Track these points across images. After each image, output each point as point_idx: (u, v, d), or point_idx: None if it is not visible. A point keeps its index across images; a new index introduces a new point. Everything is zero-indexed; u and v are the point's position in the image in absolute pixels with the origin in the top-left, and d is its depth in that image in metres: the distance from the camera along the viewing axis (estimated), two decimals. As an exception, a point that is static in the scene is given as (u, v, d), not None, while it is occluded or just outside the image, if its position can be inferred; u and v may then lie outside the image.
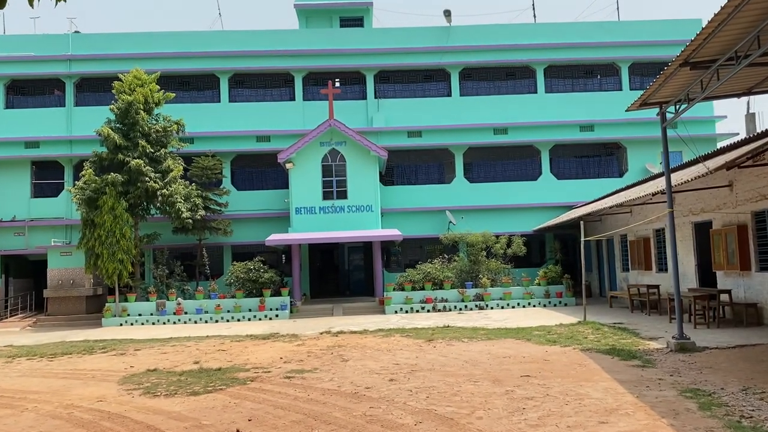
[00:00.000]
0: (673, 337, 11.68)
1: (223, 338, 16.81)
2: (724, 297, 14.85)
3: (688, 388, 8.14)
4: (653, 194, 15.13)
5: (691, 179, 12.42)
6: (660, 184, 16.04)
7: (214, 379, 10.46)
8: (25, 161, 28.03)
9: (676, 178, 13.85)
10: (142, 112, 23.62)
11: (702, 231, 17.05)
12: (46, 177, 28.50)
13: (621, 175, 28.56)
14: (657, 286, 18.45)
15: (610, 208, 18.92)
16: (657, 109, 12.33)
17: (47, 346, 16.52)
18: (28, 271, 29.14)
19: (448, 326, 17.16)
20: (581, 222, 18.47)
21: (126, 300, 23.14)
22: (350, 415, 7.52)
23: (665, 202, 17.83)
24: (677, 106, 11.45)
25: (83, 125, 27.30)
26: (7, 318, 25.80)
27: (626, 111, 12.81)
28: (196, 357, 13.33)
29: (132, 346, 15.93)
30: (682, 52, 9.19)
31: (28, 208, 27.70)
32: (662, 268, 19.59)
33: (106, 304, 22.91)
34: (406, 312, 22.35)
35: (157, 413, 8.18)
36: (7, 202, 27.51)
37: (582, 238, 17.74)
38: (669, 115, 11.99)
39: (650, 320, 16.61)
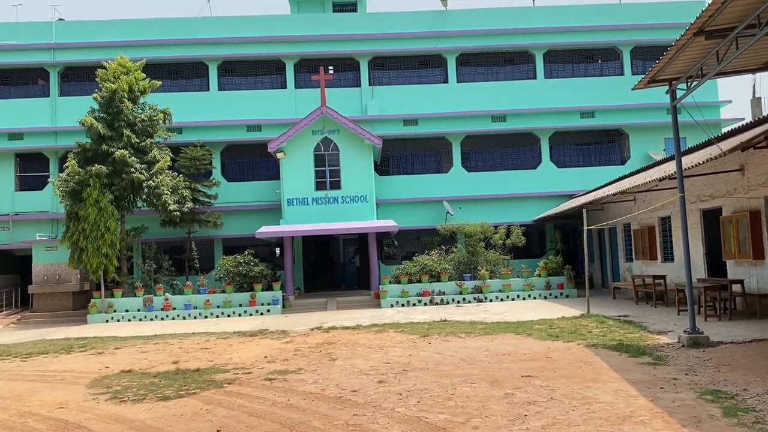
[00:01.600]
0: (684, 331, 10.88)
1: (209, 335, 16.02)
2: (735, 287, 14.04)
3: (707, 390, 7.33)
4: (660, 179, 14.31)
5: (703, 161, 11.59)
6: (666, 169, 15.23)
7: (189, 381, 9.66)
8: (9, 153, 27.17)
9: (686, 161, 13.01)
10: (126, 100, 22.74)
11: (710, 218, 16.24)
12: (31, 169, 27.64)
13: (623, 163, 27.73)
14: (663, 277, 17.65)
15: (614, 195, 18.09)
16: (660, 93, 11.52)
17: (25, 345, 15.74)
18: (15, 267, 28.33)
19: (444, 320, 16.38)
20: (584, 210, 17.65)
21: (112, 296, 22.35)
22: (330, 425, 6.71)
23: (671, 188, 17.05)
24: (689, 83, 10.60)
25: (68, 116, 26.26)
26: (-9, 315, 24.99)
27: (633, 89, 11.95)
28: (176, 356, 12.53)
29: (113, 344, 15.14)
30: (696, 19, 8.34)
31: (13, 202, 26.86)
32: (668, 257, 18.79)
33: (92, 300, 22.11)
34: (403, 305, 21.57)
35: (119, 422, 7.38)
36: (-9, 196, 26.72)
37: (585, 227, 16.92)
38: (679, 93, 11.16)
39: (657, 312, 15.83)
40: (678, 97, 11.10)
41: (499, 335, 13.14)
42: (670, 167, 15.27)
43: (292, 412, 7.40)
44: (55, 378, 10.77)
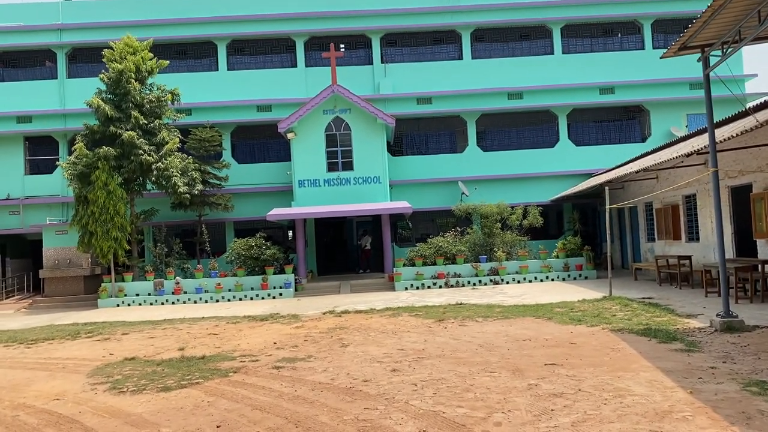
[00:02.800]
0: (717, 315, 10.22)
1: (218, 320, 15.60)
2: (768, 268, 13.34)
3: (751, 380, 6.72)
4: (687, 155, 13.57)
5: (738, 134, 10.83)
6: (694, 144, 14.47)
7: (193, 370, 9.20)
8: (18, 137, 26.85)
9: (717, 135, 12.23)
10: (133, 81, 22.22)
11: (739, 196, 15.48)
12: (40, 153, 27.33)
13: (644, 140, 26.85)
14: (689, 257, 16.95)
15: (636, 173, 17.32)
16: (683, 67, 10.75)
17: (32, 331, 15.42)
18: (26, 251, 28.18)
19: (460, 303, 15.83)
20: (605, 188, 16.94)
21: (123, 280, 22.03)
22: (339, 420, 6.19)
23: (697, 165, 16.32)
24: (724, 49, 9.85)
25: (77, 98, 25.78)
26: (3, 300, 24.84)
27: (661, 57, 11.18)
28: (183, 342, 12.11)
29: (121, 329, 14.77)
30: (738, -26, 7.62)
31: (23, 186, 26.60)
32: (693, 237, 18.06)
33: (102, 284, 21.81)
34: (417, 288, 21.05)
35: (114, 416, 6.92)
36: (1, 180, 26.43)
37: (607, 206, 16.22)
38: (712, 61, 10.41)
39: (682, 294, 15.16)
40: (711, 64, 10.35)
41: (517, 319, 12.57)
42: (697, 142, 14.51)
43: (298, 404, 6.90)
44: (56, 366, 10.38)
